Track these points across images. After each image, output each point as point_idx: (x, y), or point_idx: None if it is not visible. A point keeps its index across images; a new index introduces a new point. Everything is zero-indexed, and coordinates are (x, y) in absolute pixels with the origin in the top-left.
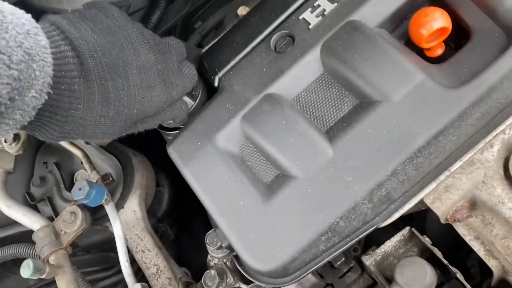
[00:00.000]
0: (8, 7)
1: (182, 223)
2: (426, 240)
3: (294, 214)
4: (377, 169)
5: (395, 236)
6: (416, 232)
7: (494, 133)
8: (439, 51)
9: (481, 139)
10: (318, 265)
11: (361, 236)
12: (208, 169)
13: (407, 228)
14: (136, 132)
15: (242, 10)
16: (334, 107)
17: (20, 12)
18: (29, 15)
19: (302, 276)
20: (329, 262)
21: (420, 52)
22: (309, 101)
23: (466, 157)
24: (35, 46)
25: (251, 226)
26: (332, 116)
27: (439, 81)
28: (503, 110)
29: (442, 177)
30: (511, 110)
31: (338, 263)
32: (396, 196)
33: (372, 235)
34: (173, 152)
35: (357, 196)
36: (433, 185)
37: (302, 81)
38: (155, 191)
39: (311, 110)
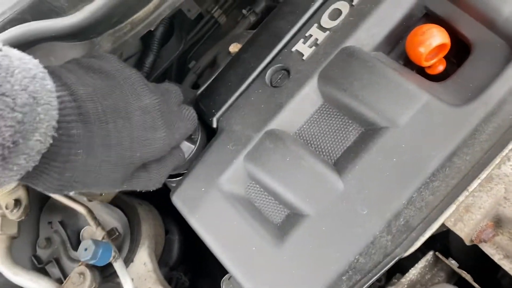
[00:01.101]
0: (17, 53)
1: (197, 268)
2: (453, 263)
3: (310, 255)
4: (392, 199)
5: (419, 262)
6: (440, 256)
7: (510, 146)
8: (441, 68)
9: (497, 154)
10: None
11: (384, 269)
12: (215, 215)
13: (431, 252)
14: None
15: (234, 47)
16: (339, 138)
17: (28, 58)
18: (37, 61)
19: None
20: None
21: (420, 70)
22: (312, 133)
23: (484, 175)
24: (41, 90)
25: (266, 272)
26: (338, 147)
27: (445, 100)
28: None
29: (461, 198)
30: None
31: None
32: (416, 223)
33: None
34: (177, 200)
35: (375, 229)
36: (453, 208)
37: (302, 114)
38: (165, 239)
39: (315, 143)
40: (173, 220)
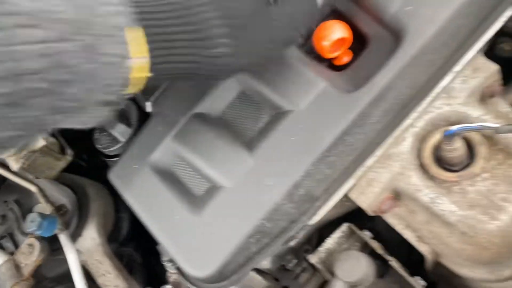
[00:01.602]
0: None
1: (150, 245)
2: (366, 234)
3: (224, 221)
4: (292, 172)
5: (335, 232)
6: (354, 228)
7: (401, 128)
8: (346, 59)
9: (389, 134)
10: (253, 265)
11: (291, 234)
12: (145, 189)
13: (346, 224)
14: None
15: None
16: (253, 120)
17: None
18: None
19: (240, 278)
20: (282, 265)
21: (330, 62)
22: (232, 116)
23: (379, 152)
24: None
25: (186, 237)
26: (253, 128)
27: (340, 87)
28: (405, 107)
29: (359, 173)
30: (412, 106)
31: (291, 265)
32: (317, 194)
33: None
34: (113, 177)
35: (277, 197)
36: (351, 181)
37: (224, 99)
38: (116, 217)
39: (234, 124)
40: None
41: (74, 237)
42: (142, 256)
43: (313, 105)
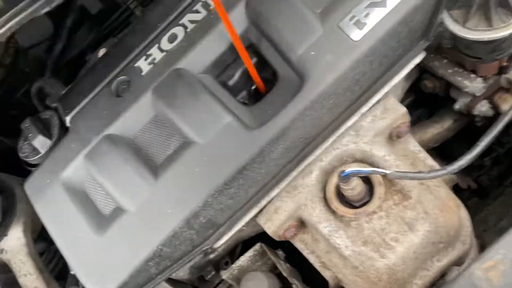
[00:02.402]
0: None
1: None
2: (279, 254)
3: (124, 243)
4: (190, 202)
5: (248, 251)
6: (265, 247)
7: (307, 162)
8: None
9: (293, 169)
10: (154, 285)
11: (193, 257)
12: (55, 205)
13: (258, 244)
14: None
15: (101, 53)
16: (163, 146)
17: None
18: None
19: None
20: (202, 276)
21: (250, 91)
22: (144, 140)
23: (283, 185)
24: None
25: (88, 255)
26: (162, 154)
27: (245, 123)
28: (309, 144)
29: (263, 202)
30: (317, 144)
31: (209, 276)
32: (220, 221)
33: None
34: (27, 188)
35: (174, 225)
36: (255, 210)
37: (138, 122)
38: None
39: (145, 148)
40: None
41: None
42: None
43: (217, 138)
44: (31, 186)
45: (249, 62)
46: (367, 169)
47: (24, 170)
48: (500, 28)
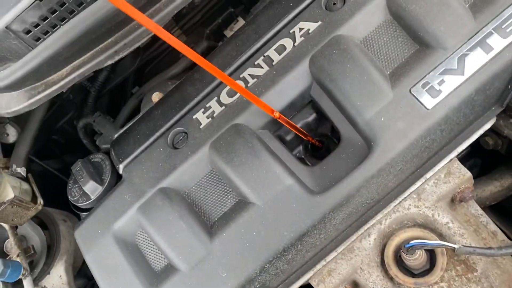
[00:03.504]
0: None
1: None
2: None
3: None
4: (247, 267)
5: None
6: None
7: (367, 226)
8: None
9: (353, 233)
10: None
11: None
12: (105, 256)
13: None
14: None
15: (155, 97)
16: (218, 203)
17: None
18: None
19: None
20: None
21: (307, 143)
22: (199, 196)
23: (340, 249)
24: None
25: None
26: (217, 211)
27: (306, 185)
28: (371, 209)
29: (318, 266)
30: (378, 209)
31: None
32: (274, 285)
33: None
34: (78, 236)
35: None
36: (310, 274)
37: (193, 177)
38: None
39: (199, 204)
40: None
41: (42, 274)
42: None
43: (278, 201)
44: (82, 234)
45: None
46: (434, 242)
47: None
48: None
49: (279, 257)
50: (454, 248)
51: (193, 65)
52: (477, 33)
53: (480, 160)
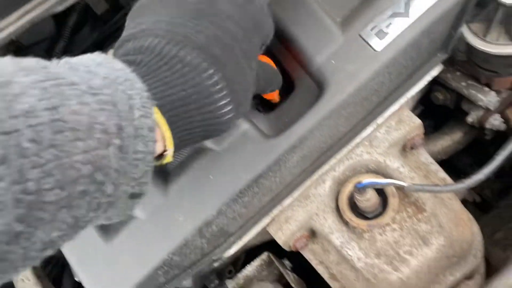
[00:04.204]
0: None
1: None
2: (285, 264)
3: (133, 251)
4: (204, 210)
5: (255, 260)
6: (273, 257)
7: (321, 172)
8: (276, 97)
9: (307, 178)
10: None
11: (202, 266)
12: None
13: (265, 253)
14: None
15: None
16: (176, 154)
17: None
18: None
19: None
20: (204, 285)
21: (261, 98)
22: None
23: (296, 193)
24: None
25: (95, 263)
26: (174, 160)
27: (262, 131)
28: (324, 153)
29: (275, 211)
30: (331, 153)
31: (212, 285)
32: (232, 230)
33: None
34: None
35: (186, 233)
36: (267, 219)
37: None
38: None
39: None
40: None
41: None
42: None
43: (234, 146)
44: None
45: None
46: (384, 180)
47: None
48: None
49: (236, 199)
50: (404, 186)
51: None
52: None
53: (433, 122)
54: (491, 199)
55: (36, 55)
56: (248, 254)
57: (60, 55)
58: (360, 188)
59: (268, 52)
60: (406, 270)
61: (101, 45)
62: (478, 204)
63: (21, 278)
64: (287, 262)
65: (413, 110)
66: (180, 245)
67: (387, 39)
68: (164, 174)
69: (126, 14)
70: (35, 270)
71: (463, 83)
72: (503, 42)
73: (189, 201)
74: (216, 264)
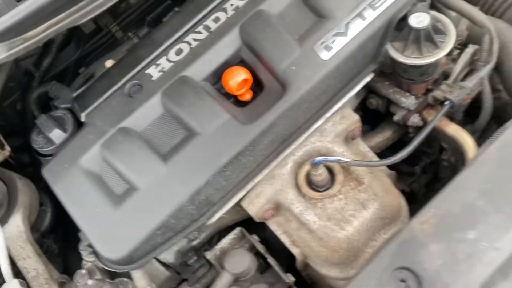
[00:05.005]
0: None
1: (68, 239)
2: (254, 238)
3: (136, 215)
4: (195, 180)
5: (229, 234)
6: (244, 231)
7: (284, 154)
8: (248, 97)
9: (274, 159)
10: (157, 254)
11: (190, 230)
12: (73, 186)
13: (238, 228)
14: None
15: (109, 63)
16: (170, 138)
17: None
18: None
19: (145, 262)
20: (184, 261)
21: (236, 98)
22: (154, 133)
23: (265, 171)
24: None
25: (104, 226)
26: (169, 144)
27: (239, 120)
28: (287, 139)
29: (249, 186)
30: (292, 140)
31: (191, 261)
32: (215, 200)
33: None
34: (46, 173)
35: (181, 199)
36: (243, 192)
37: (147, 118)
38: (39, 210)
39: (155, 139)
40: (49, 196)
41: (1, 223)
42: (59, 248)
43: (217, 131)
44: (50, 170)
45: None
46: (332, 158)
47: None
48: (427, 56)
49: (219, 173)
50: (347, 161)
51: None
52: (357, 7)
53: (369, 127)
54: (418, 191)
55: (25, 67)
56: (220, 236)
57: (46, 69)
58: (315, 164)
59: (244, 62)
60: (350, 229)
61: (80, 63)
62: (408, 195)
63: (23, 257)
64: (255, 237)
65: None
66: (176, 210)
67: (332, 51)
68: (162, 154)
69: (107, 34)
70: (36, 249)
71: (390, 90)
72: (416, 56)
73: (182, 174)
74: (194, 243)
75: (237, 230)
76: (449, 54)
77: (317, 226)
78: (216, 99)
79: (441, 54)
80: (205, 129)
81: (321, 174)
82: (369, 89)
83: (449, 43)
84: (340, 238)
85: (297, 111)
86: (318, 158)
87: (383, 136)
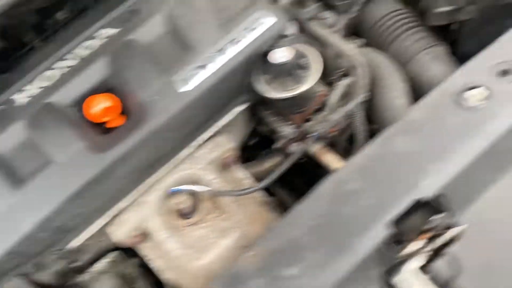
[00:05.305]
0: None
1: None
2: (132, 261)
3: None
4: (44, 208)
5: (105, 257)
6: (123, 255)
7: (151, 182)
8: (120, 123)
9: (136, 187)
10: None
11: (46, 256)
12: None
13: (117, 251)
14: None
15: None
16: (29, 163)
17: None
18: None
19: None
20: (64, 283)
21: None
22: (12, 159)
23: (130, 199)
24: None
25: None
26: (26, 171)
27: (95, 148)
28: (152, 166)
29: (112, 213)
30: (158, 166)
31: (69, 283)
32: (72, 227)
33: None
34: None
35: (30, 227)
36: (105, 219)
37: (8, 143)
38: None
39: (12, 164)
40: None
41: None
42: None
43: (70, 159)
44: None
45: None
46: (186, 187)
47: None
48: (290, 90)
49: (71, 201)
50: (203, 190)
51: None
52: (218, 41)
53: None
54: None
55: None
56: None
57: None
58: (172, 193)
59: (114, 90)
60: (209, 257)
61: None
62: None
63: None
64: (135, 260)
65: (249, 139)
66: (23, 237)
67: (191, 85)
68: (16, 179)
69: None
70: None
71: (271, 119)
72: (280, 90)
73: (33, 201)
74: (74, 265)
75: (115, 253)
76: (330, 85)
77: (178, 253)
78: (76, 127)
79: (302, 88)
80: (58, 157)
81: (183, 202)
82: (258, 117)
83: (311, 78)
84: (199, 266)
85: (157, 141)
86: (173, 188)
87: (272, 161)
